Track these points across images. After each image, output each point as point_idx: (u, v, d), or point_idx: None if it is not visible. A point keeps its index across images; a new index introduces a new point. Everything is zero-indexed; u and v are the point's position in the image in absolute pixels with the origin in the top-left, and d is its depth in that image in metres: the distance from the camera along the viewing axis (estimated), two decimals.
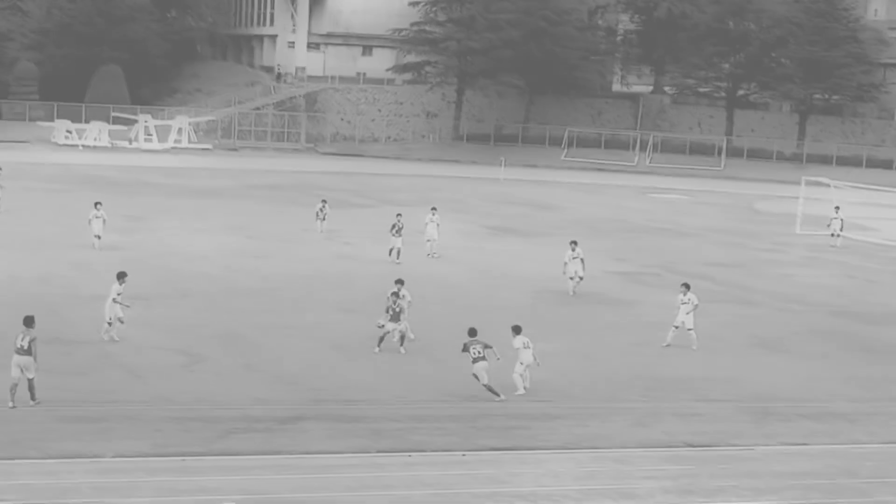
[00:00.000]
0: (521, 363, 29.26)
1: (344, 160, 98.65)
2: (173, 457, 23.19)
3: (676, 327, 34.80)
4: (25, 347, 25.98)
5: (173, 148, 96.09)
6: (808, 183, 68.72)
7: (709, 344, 35.33)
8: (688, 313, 34.62)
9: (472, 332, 28.96)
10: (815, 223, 64.97)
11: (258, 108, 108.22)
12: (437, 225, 49.79)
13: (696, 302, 34.78)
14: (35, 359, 26.06)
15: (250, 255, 47.59)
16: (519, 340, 29.31)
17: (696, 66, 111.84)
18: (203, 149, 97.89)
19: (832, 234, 60.81)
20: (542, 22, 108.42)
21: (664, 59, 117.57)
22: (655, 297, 43.17)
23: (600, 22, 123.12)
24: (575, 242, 43.33)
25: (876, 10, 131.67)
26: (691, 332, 34.62)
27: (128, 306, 32.11)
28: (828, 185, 69.76)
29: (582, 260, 42.65)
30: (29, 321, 26.39)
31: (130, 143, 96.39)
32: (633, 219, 68.56)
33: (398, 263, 45.88)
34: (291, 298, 39.30)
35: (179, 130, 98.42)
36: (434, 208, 51.12)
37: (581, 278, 42.61)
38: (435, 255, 49.03)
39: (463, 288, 42.95)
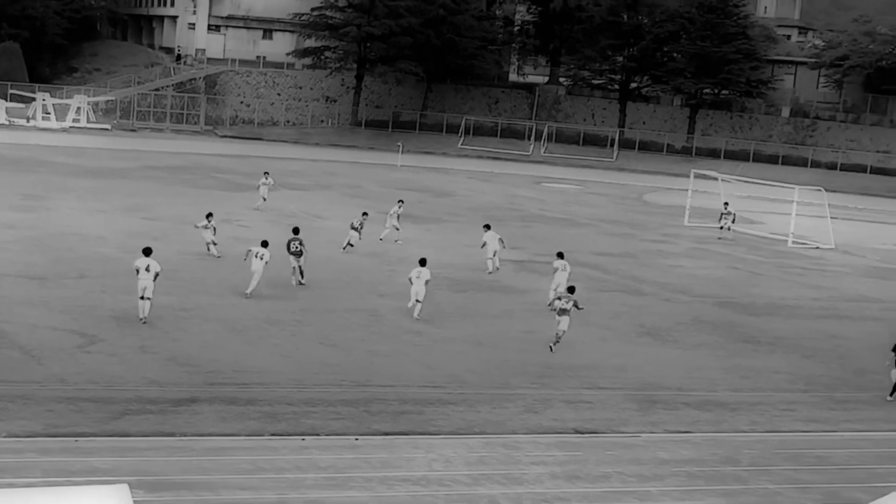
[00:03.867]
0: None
1: (242, 143, 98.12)
2: (66, 437, 23.16)
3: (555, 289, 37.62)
4: None
5: (71, 127, 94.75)
6: (697, 176, 70.07)
7: (598, 333, 36.08)
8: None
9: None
10: (703, 215, 66.29)
11: (157, 90, 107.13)
12: (398, 216, 51.85)
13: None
14: None
15: (147, 237, 47.13)
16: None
17: (590, 59, 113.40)
18: (101, 129, 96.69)
19: (721, 227, 62.11)
20: (440, 10, 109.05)
21: (560, 51, 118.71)
22: (548, 286, 43.85)
23: (498, 12, 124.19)
24: (488, 226, 46.08)
25: (766, 8, 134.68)
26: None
27: None
28: (716, 179, 71.16)
29: (501, 240, 45.82)
30: None
31: (28, 121, 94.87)
32: (527, 207, 69.33)
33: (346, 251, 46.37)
34: (187, 280, 39.25)
35: (78, 110, 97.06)
36: (401, 201, 53.08)
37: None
38: (398, 242, 50.73)
39: (359, 272, 43.20)
